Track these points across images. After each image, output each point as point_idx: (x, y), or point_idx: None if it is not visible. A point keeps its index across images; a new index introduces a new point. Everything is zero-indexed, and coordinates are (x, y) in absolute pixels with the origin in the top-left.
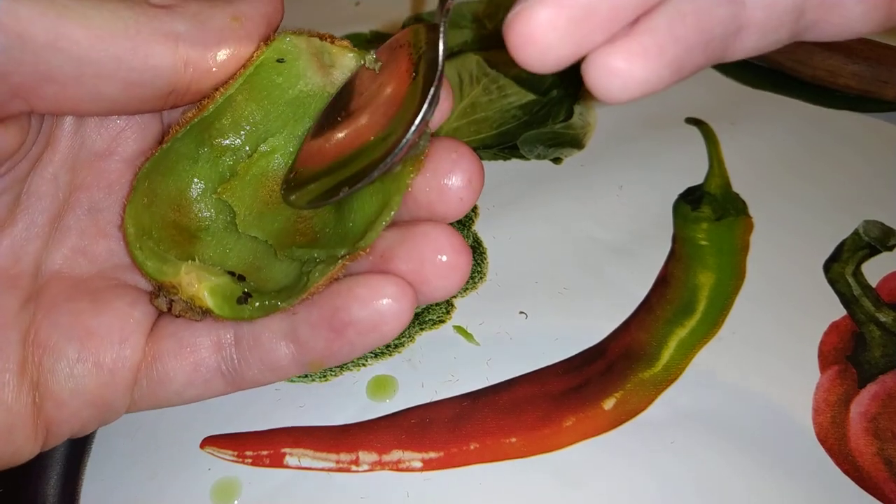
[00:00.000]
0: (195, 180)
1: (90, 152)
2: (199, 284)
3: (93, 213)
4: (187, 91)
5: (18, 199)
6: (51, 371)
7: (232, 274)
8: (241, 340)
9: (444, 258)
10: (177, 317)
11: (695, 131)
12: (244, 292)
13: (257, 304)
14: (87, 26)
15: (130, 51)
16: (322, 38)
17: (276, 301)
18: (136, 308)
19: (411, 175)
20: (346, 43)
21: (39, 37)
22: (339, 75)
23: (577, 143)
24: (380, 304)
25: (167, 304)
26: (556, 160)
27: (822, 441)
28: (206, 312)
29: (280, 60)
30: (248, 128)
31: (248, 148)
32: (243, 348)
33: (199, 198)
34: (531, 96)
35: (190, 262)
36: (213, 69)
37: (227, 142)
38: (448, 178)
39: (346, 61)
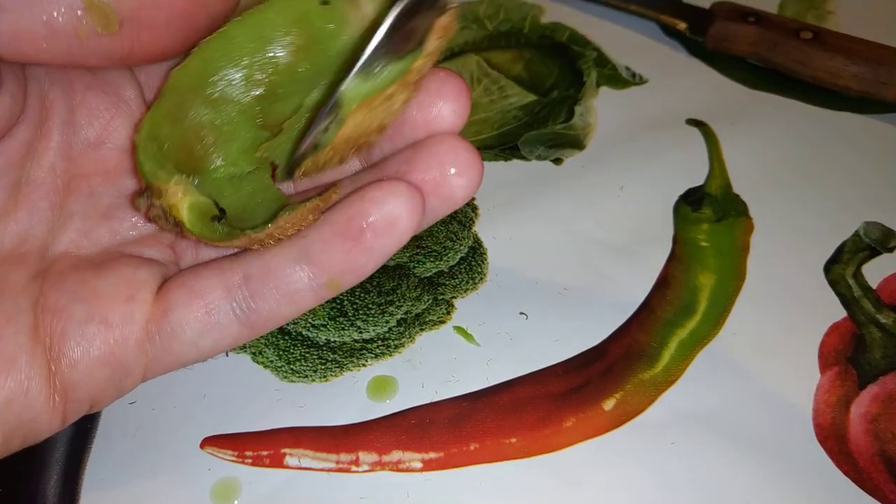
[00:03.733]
0: (238, 128)
1: (83, 142)
2: (183, 196)
3: (93, 198)
4: (140, 16)
5: (19, 187)
6: (62, 333)
7: (218, 208)
8: (251, 277)
9: (459, 157)
10: (148, 221)
11: (695, 132)
12: (219, 212)
13: (226, 228)
14: None
15: None
16: None
17: (241, 227)
18: (140, 269)
19: (402, 100)
20: None
21: None
22: (368, 10)
23: (577, 143)
24: (395, 201)
25: (146, 206)
26: (557, 161)
27: (822, 442)
28: (177, 225)
29: (324, 3)
30: (299, 81)
31: (297, 102)
32: (255, 283)
33: (234, 145)
34: (532, 97)
35: (183, 176)
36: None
37: (280, 92)
38: (437, 103)
39: None
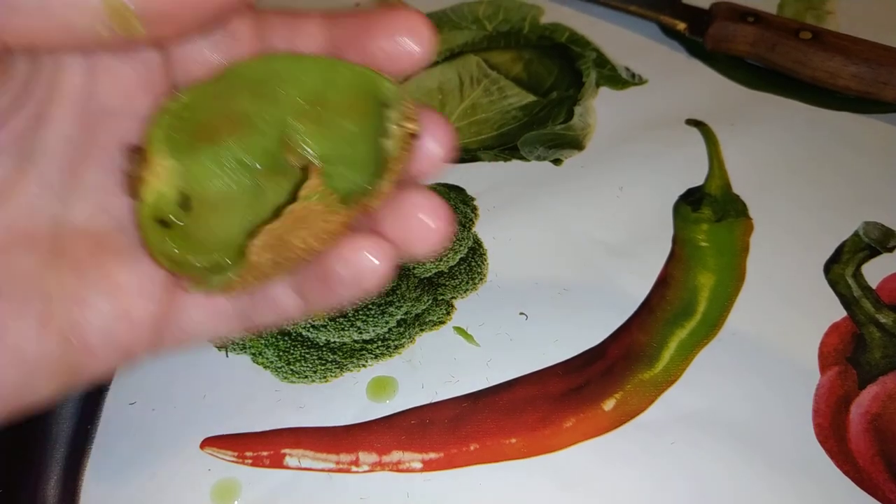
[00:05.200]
0: (272, 129)
1: (102, 110)
2: (159, 178)
3: (113, 171)
4: (164, 20)
5: (28, 157)
6: (85, 326)
7: (186, 199)
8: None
9: (427, 220)
10: (124, 174)
11: (695, 132)
12: (165, 220)
13: (175, 247)
14: None
15: None
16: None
17: (170, 259)
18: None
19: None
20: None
21: None
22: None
23: (577, 144)
24: (361, 261)
25: (128, 163)
26: (557, 161)
27: (822, 442)
28: (134, 196)
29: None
30: (335, 138)
31: (320, 153)
32: (256, 298)
33: (261, 141)
34: (531, 97)
35: (175, 161)
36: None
37: (318, 132)
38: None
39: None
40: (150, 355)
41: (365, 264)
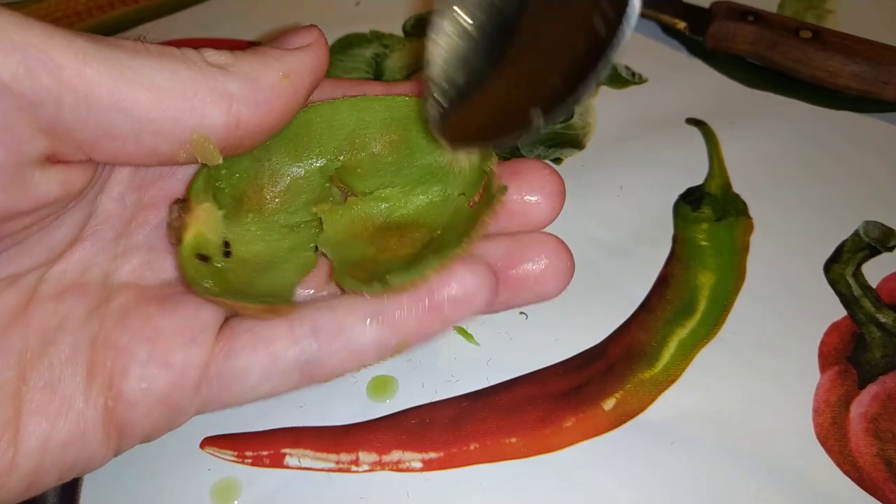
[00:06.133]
0: (311, 184)
1: (155, 172)
2: (198, 224)
3: (160, 229)
4: (239, 146)
5: (89, 218)
6: (123, 373)
7: (226, 245)
8: (320, 331)
9: (559, 258)
10: (168, 225)
11: (695, 132)
12: (204, 255)
13: (208, 276)
14: (149, 87)
15: (187, 111)
16: None
17: (214, 288)
18: (201, 311)
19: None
20: None
21: (103, 98)
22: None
23: (577, 143)
24: (474, 279)
25: (174, 214)
26: (556, 160)
27: (823, 441)
28: (177, 243)
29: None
30: (378, 171)
31: (369, 187)
32: (324, 337)
33: (301, 198)
34: None
35: (215, 205)
36: (263, 126)
37: (359, 171)
38: (530, 194)
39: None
40: (202, 410)
41: (475, 284)
